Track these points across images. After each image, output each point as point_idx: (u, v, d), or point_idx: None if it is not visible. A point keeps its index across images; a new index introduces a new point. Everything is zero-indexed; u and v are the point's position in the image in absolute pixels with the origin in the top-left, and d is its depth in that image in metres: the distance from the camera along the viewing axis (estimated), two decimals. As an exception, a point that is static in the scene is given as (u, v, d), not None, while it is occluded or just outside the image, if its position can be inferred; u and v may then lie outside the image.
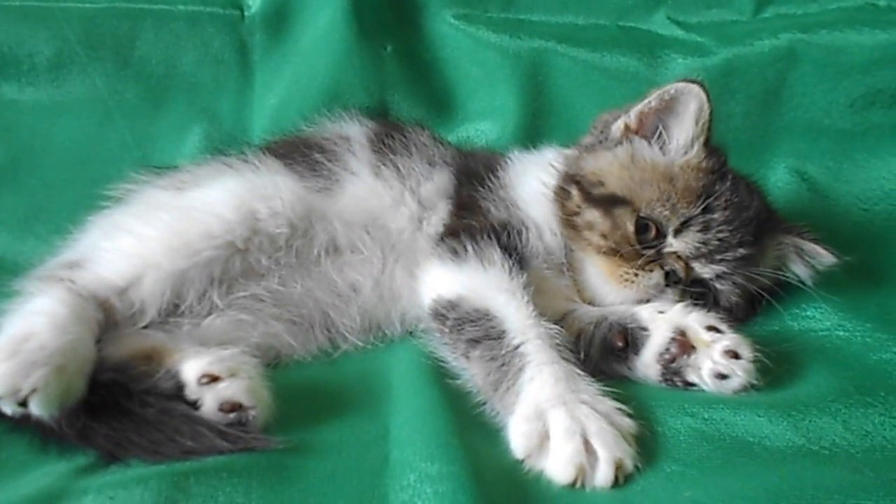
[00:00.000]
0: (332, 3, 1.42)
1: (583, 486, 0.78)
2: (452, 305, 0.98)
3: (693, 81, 1.04)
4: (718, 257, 1.02)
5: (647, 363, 0.96)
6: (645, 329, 0.97)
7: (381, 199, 1.12)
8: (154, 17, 1.42)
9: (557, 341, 0.91)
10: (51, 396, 0.83)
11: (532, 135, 1.45)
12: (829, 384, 0.92)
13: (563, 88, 1.49)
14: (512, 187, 1.13)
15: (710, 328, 0.94)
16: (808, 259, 1.09)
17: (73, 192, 1.42)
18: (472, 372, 0.93)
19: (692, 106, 1.04)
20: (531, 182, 1.13)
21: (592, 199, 1.06)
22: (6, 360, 0.83)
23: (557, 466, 0.79)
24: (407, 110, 1.44)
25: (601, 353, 0.99)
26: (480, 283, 0.99)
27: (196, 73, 1.45)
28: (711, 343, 0.93)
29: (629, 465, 0.79)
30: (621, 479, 0.78)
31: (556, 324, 0.99)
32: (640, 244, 1.02)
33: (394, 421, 0.88)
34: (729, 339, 0.93)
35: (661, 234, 1.03)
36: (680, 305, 0.99)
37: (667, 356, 0.95)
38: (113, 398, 0.88)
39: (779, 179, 1.41)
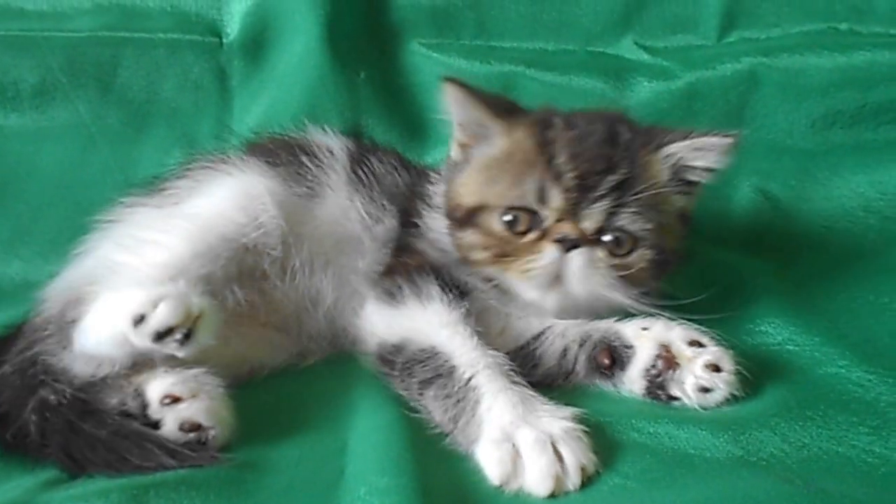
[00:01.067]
0: (307, 31, 1.46)
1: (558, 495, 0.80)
2: (398, 349, 0.99)
3: (446, 79, 1.06)
4: (593, 195, 0.98)
5: (633, 379, 0.98)
6: (629, 346, 0.99)
7: (346, 228, 1.13)
8: (135, 44, 1.47)
9: (506, 367, 0.93)
10: (212, 323, 0.90)
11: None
12: (773, 398, 0.95)
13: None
14: (434, 229, 1.12)
15: (693, 343, 0.96)
16: (706, 152, 1.04)
17: (57, 215, 1.47)
18: (429, 409, 0.93)
19: (456, 97, 1.06)
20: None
21: (459, 222, 1.06)
22: (165, 293, 0.89)
23: (536, 481, 0.81)
24: (380, 134, 1.47)
25: (587, 371, 1.01)
26: (421, 321, 0.99)
27: (176, 99, 1.49)
28: (693, 358, 0.95)
29: (592, 469, 0.83)
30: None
31: (531, 342, 1.03)
32: (520, 235, 1.01)
33: (352, 435, 0.91)
34: (711, 352, 0.95)
35: (531, 214, 1.01)
36: (663, 321, 0.99)
37: (653, 372, 0.97)
38: (67, 416, 0.91)
39: (742, 198, 1.44)
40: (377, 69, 1.52)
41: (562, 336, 1.04)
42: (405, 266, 1.07)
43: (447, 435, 0.90)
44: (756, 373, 1.01)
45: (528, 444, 0.84)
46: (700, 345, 0.96)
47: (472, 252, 1.04)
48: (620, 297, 1.01)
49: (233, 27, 1.50)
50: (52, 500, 0.82)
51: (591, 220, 0.99)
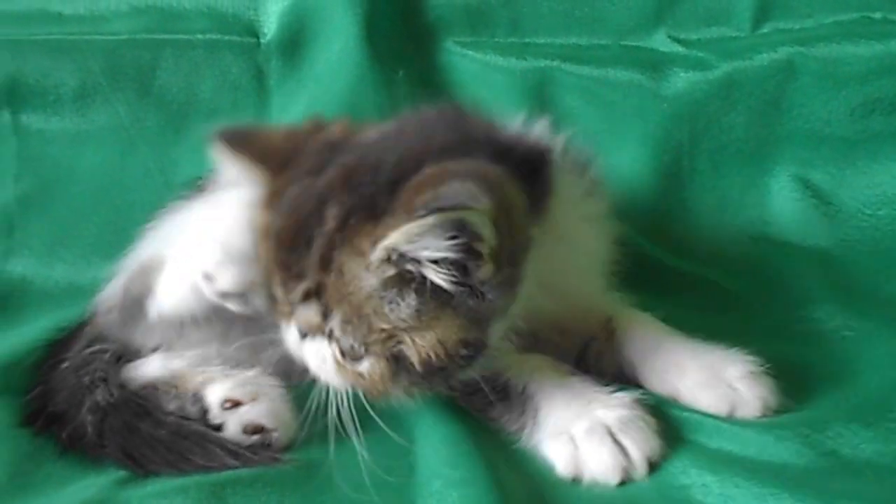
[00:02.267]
0: (345, 30, 1.46)
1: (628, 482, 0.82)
2: None
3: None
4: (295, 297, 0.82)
5: None
6: None
7: None
8: (174, 46, 1.47)
9: (552, 364, 0.94)
10: None
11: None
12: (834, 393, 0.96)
13: (569, 104, 1.53)
14: None
15: None
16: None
17: (98, 217, 1.47)
18: (496, 421, 0.93)
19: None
20: None
21: None
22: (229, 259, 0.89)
23: (600, 472, 0.82)
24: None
25: None
26: None
27: (214, 99, 1.49)
28: None
29: (657, 457, 0.84)
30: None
31: None
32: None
33: (418, 432, 0.92)
34: None
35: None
36: None
37: None
38: (124, 417, 0.94)
39: (783, 187, 1.44)
40: (414, 67, 1.52)
41: None
42: None
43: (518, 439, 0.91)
44: (815, 362, 1.02)
45: (583, 436, 0.84)
46: None
47: None
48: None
49: (270, 27, 1.50)
50: (131, 497, 0.83)
51: (302, 319, 0.84)
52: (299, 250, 0.81)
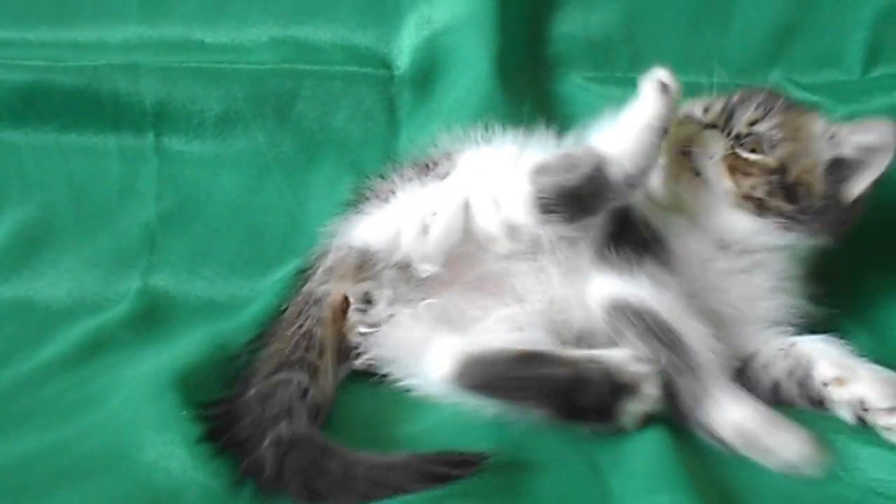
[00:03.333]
0: (475, 65, 1.53)
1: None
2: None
3: None
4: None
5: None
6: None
7: None
8: (313, 76, 1.54)
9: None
10: None
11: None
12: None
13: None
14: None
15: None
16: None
17: (234, 237, 1.54)
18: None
19: None
20: None
21: None
22: None
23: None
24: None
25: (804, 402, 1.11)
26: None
27: (347, 128, 1.56)
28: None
29: None
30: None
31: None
32: None
33: (603, 459, 0.96)
34: None
35: None
36: (864, 368, 1.08)
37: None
38: (311, 453, 0.95)
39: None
40: (539, 101, 1.58)
41: (765, 369, 1.12)
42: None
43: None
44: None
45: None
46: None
47: None
48: None
49: (403, 60, 1.57)
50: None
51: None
52: None
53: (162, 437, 0.99)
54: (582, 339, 1.12)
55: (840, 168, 1.18)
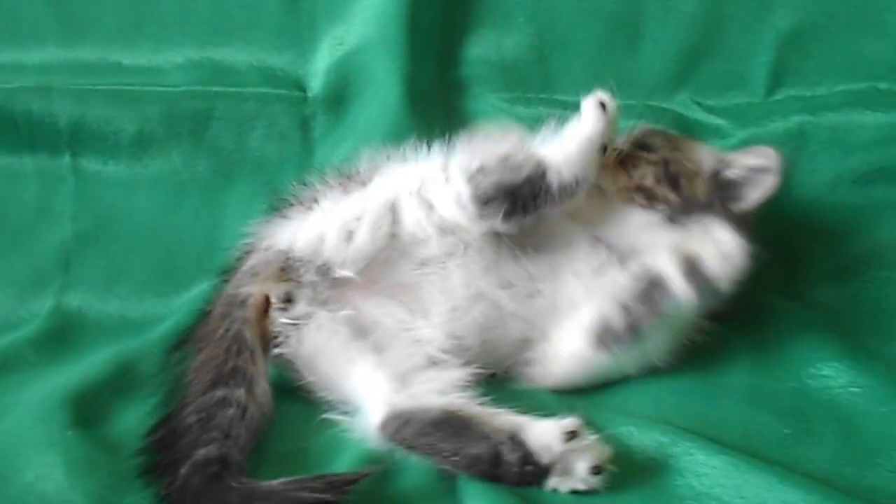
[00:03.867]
0: (386, 87, 1.57)
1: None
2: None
3: None
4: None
5: None
6: None
7: None
8: (227, 97, 1.57)
9: None
10: None
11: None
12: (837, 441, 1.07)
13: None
14: None
15: None
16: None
17: (150, 257, 1.56)
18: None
19: None
20: None
21: None
22: None
23: None
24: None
25: None
26: None
27: (262, 149, 1.59)
28: None
29: None
30: None
31: None
32: None
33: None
34: None
35: None
36: None
37: None
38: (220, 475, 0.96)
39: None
40: (450, 123, 1.61)
41: None
42: None
43: None
44: (821, 416, 1.12)
45: None
46: None
47: None
48: None
49: (316, 82, 1.60)
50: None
51: None
52: None
53: (43, 458, 1.02)
54: (485, 346, 1.18)
55: (729, 187, 1.27)
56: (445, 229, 1.17)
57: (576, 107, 1.62)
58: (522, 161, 1.13)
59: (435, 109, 1.62)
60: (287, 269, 1.20)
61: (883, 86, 1.60)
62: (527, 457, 0.95)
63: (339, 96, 1.60)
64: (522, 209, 1.14)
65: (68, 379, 1.23)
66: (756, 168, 1.26)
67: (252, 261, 1.22)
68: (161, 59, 1.60)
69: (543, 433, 0.96)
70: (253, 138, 1.59)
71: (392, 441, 1.03)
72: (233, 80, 1.59)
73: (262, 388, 1.11)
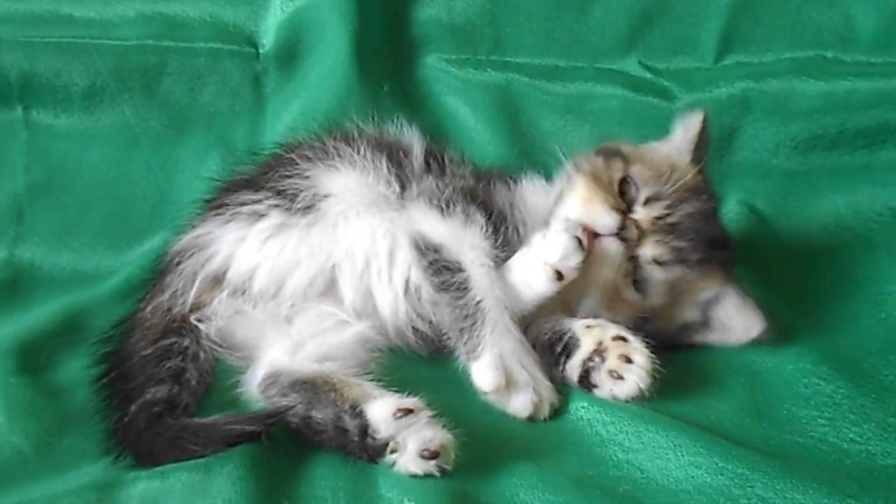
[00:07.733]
0: (336, 45, 1.58)
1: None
2: (434, 249, 1.12)
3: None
4: (667, 240, 1.12)
5: (573, 367, 1.12)
6: (578, 339, 1.12)
7: None
8: (179, 52, 1.58)
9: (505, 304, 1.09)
10: None
11: (514, 161, 1.60)
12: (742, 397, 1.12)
13: (545, 120, 1.67)
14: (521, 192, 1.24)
15: (618, 338, 1.08)
16: (737, 314, 1.19)
17: (102, 209, 1.59)
18: (441, 311, 1.10)
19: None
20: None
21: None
22: None
23: (518, 407, 1.05)
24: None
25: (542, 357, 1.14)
26: (458, 237, 1.12)
27: (214, 104, 1.61)
28: (614, 349, 1.08)
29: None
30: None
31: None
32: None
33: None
34: (627, 346, 1.07)
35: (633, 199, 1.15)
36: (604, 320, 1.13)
37: (589, 363, 1.10)
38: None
39: (730, 211, 1.56)
40: (399, 81, 1.64)
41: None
42: (467, 191, 1.18)
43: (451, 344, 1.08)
44: (728, 374, 1.17)
45: (520, 378, 1.05)
46: (624, 340, 1.08)
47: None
48: None
49: (268, 39, 1.62)
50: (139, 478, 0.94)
51: (646, 249, 1.14)
52: None
53: (-16, 403, 1.06)
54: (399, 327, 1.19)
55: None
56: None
57: (525, 69, 1.66)
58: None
59: (385, 69, 1.63)
60: (219, 278, 1.19)
61: (829, 54, 1.64)
62: (366, 428, 0.96)
63: (291, 53, 1.62)
64: None
65: (16, 329, 1.27)
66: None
67: (187, 269, 1.20)
68: (112, 12, 1.60)
69: (382, 407, 0.97)
70: (205, 94, 1.60)
71: (264, 399, 1.07)
72: (185, 35, 1.59)
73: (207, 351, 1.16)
